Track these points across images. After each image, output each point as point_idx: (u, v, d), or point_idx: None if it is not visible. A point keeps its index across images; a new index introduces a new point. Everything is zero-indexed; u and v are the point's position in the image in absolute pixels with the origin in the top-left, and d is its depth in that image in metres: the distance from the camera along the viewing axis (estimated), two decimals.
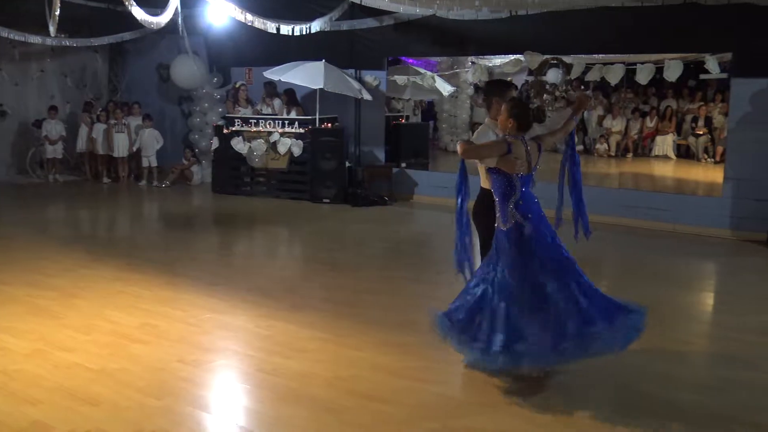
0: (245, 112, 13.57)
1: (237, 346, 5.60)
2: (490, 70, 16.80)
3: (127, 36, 14.31)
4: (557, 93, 15.66)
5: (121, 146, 14.48)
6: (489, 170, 4.94)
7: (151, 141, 14.37)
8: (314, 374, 4.96)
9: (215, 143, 13.42)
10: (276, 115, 13.24)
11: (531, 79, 20.08)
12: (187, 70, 14.04)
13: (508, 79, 19.24)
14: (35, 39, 13.24)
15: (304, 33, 11.61)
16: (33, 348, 5.40)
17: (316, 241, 9.92)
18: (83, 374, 4.93)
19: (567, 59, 14.26)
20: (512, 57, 13.39)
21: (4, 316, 6.14)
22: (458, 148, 4.88)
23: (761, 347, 5.74)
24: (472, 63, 17.04)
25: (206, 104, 14.55)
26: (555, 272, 4.76)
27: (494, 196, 4.98)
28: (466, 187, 5.28)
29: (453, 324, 4.86)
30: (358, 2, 11.04)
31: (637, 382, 4.93)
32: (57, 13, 10.63)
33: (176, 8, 11.44)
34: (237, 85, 14.02)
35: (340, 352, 5.42)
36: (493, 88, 5.70)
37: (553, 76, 19.22)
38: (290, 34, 11.59)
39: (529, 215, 4.87)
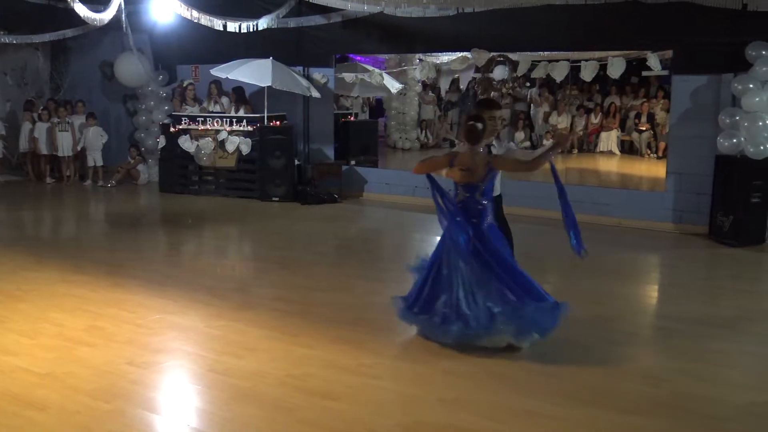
0: (192, 110, 13.42)
1: (187, 346, 5.53)
2: (437, 67, 16.93)
3: (69, 33, 14.00)
4: (504, 90, 15.99)
5: (65, 145, 14.18)
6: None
7: (96, 139, 14.11)
8: (266, 373, 4.93)
9: (162, 142, 13.24)
10: (224, 113, 13.12)
11: (478, 76, 20.32)
12: (131, 68, 13.83)
13: (456, 76, 19.54)
14: None
15: (251, 30, 11.53)
16: None
17: (266, 240, 9.86)
18: (29, 379, 4.82)
19: (513, 56, 14.43)
20: (459, 54, 13.48)
21: None
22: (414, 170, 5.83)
23: (703, 337, 5.89)
24: (420, 60, 17.12)
25: (152, 102, 14.35)
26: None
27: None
28: (439, 188, 5.73)
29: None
30: None
31: (583, 374, 5.02)
32: None
33: (120, 5, 11.26)
34: (184, 84, 13.85)
35: (291, 351, 5.40)
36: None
37: (499, 73, 19.41)
38: (237, 31, 11.50)
39: (458, 218, 5.53)
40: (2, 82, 15.52)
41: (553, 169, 5.99)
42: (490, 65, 16.17)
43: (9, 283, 7.11)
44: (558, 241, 9.83)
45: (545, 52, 13.79)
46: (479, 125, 5.47)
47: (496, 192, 6.00)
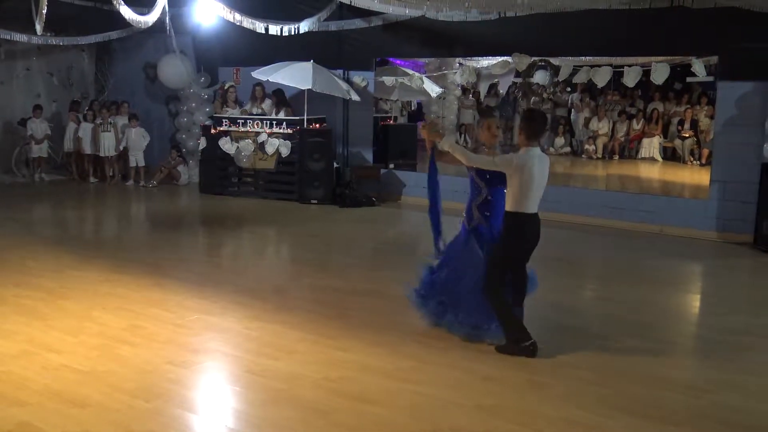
0: (233, 112, 13.54)
1: (225, 347, 5.59)
2: (478, 72, 16.85)
3: (114, 35, 14.22)
4: (545, 94, 15.89)
5: (107, 146, 14.39)
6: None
7: (138, 140, 14.30)
8: (303, 375, 4.96)
9: (203, 143, 13.38)
10: (264, 115, 13.22)
11: (519, 80, 20.20)
12: (174, 70, 14.00)
13: (495, 81, 19.45)
14: (21, 37, 13.16)
15: (292, 33, 11.59)
16: (20, 349, 5.38)
17: (304, 242, 9.91)
18: (71, 376, 4.91)
19: (555, 61, 14.33)
20: (500, 59, 13.40)
21: None
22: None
23: (746, 349, 5.79)
24: (460, 64, 17.05)
25: (193, 104, 14.51)
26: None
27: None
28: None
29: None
30: (348, 2, 11.04)
31: (624, 383, 4.96)
32: (44, 11, 10.55)
33: (164, 7, 11.39)
34: (225, 87, 13.99)
35: (328, 354, 5.42)
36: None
37: (540, 77, 19.31)
38: (279, 34, 11.57)
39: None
40: (48, 83, 15.83)
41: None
42: (530, 70, 16.09)
43: (53, 282, 7.25)
44: (597, 248, 9.78)
45: (587, 57, 13.65)
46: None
47: (514, 207, 5.45)
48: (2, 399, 4.52)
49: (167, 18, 12.14)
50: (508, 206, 5.44)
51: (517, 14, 10.36)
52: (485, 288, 5.49)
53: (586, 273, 8.69)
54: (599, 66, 12.59)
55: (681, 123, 17.65)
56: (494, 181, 5.63)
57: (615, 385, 4.92)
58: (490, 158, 5.51)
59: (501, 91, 20.41)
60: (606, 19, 10.10)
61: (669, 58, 12.31)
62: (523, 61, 11.81)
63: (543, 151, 5.50)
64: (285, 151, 12.68)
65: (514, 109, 20.54)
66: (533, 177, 5.33)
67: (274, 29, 11.50)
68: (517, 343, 5.39)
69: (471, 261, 5.71)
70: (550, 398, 4.69)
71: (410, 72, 15.82)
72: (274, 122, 12.85)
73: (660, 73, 11.12)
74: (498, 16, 10.47)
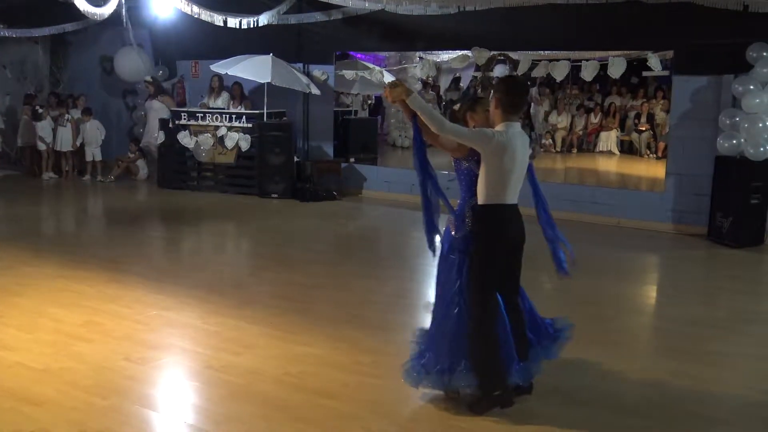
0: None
1: (184, 343, 5.54)
2: (437, 66, 16.90)
3: (69, 27, 13.96)
4: None
5: (64, 140, 14.14)
6: None
7: (94, 134, 14.08)
8: (263, 371, 4.94)
9: (161, 137, 13.22)
10: (223, 109, 13.11)
11: (479, 74, 20.29)
12: (131, 63, 13.82)
13: (456, 74, 19.53)
14: None
15: (251, 26, 11.50)
16: None
17: (265, 237, 9.86)
18: (26, 374, 4.83)
19: (514, 55, 14.40)
20: (460, 53, 13.45)
21: None
22: None
23: (701, 339, 5.90)
24: (420, 58, 17.08)
25: None
26: None
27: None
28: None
29: None
30: None
31: (579, 374, 5.02)
32: None
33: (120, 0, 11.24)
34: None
35: (289, 349, 5.40)
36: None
37: (500, 71, 19.40)
38: (237, 27, 11.47)
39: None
40: (2, 76, 15.50)
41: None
42: (490, 64, 16.15)
43: (7, 278, 7.11)
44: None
45: (546, 52, 13.77)
46: (456, 107, 4.94)
47: (480, 199, 4.46)
48: None
49: (123, 10, 11.96)
50: (482, 198, 4.39)
51: (477, 8, 10.39)
52: (469, 323, 4.39)
53: (542, 266, 8.75)
54: (558, 60, 12.71)
55: (638, 117, 17.93)
56: None
57: (568, 376, 4.97)
58: (467, 129, 4.39)
59: (462, 85, 20.49)
60: (564, 14, 10.18)
61: (625, 52, 12.48)
62: (483, 56, 11.87)
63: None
64: (245, 145, 12.59)
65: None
66: (516, 159, 4.34)
67: (232, 22, 11.40)
68: (491, 392, 4.35)
69: (446, 282, 4.60)
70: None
71: (371, 66, 15.81)
72: (234, 116, 12.75)
73: (617, 68, 11.25)
74: (457, 10, 10.49)
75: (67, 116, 14.09)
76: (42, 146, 14.17)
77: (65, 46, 16.07)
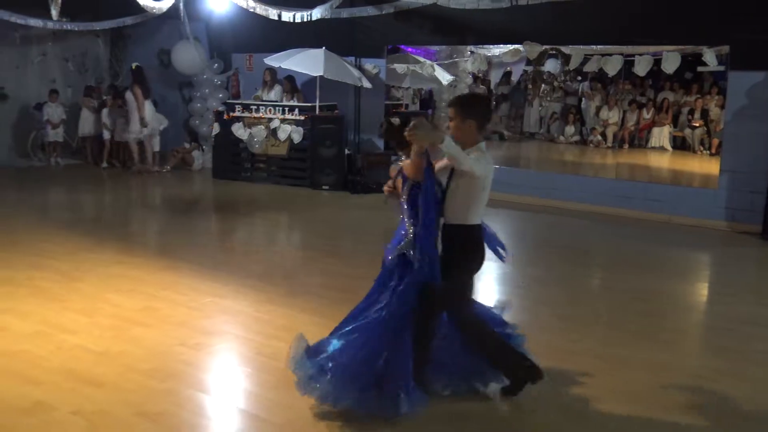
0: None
1: (237, 330, 5.64)
2: (489, 60, 16.80)
3: (128, 21, 14.20)
4: (555, 83, 15.77)
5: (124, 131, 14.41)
6: None
7: (155, 125, 14.32)
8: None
9: (216, 129, 13.41)
10: (276, 101, 13.24)
11: (529, 69, 20.11)
12: (187, 56, 14.02)
13: (507, 69, 19.38)
14: (36, 22, 13.20)
15: (304, 20, 11.58)
16: (35, 330, 5.44)
17: (315, 228, 9.94)
18: (86, 356, 4.97)
19: (565, 50, 14.23)
20: (511, 47, 13.34)
21: (7, 297, 6.18)
22: None
23: (752, 338, 5.79)
24: (471, 52, 16.99)
25: (207, 90, 14.53)
26: None
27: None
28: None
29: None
30: None
31: (627, 370, 4.97)
32: None
33: None
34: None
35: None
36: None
37: (551, 66, 19.21)
38: (291, 21, 11.56)
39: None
40: (64, 69, 15.88)
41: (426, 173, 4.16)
42: (541, 58, 16.01)
43: (68, 264, 7.31)
44: (603, 236, 9.76)
45: (598, 46, 13.58)
46: (396, 121, 4.27)
47: (464, 220, 4.29)
48: (18, 378, 4.58)
49: (181, 4, 12.15)
50: (461, 218, 4.26)
51: (529, 2, 10.31)
52: (464, 325, 4.36)
53: (592, 261, 8.68)
54: (610, 55, 12.54)
55: (691, 112, 17.54)
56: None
57: (618, 372, 4.93)
58: (474, 158, 4.13)
59: (513, 79, 20.34)
60: (618, 8, 10.05)
61: (680, 47, 12.24)
62: (534, 50, 11.77)
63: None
64: (297, 138, 12.69)
65: (524, 98, 20.48)
66: (490, 178, 4.29)
67: (286, 16, 11.50)
68: (518, 370, 4.37)
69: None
70: (551, 383, 4.70)
71: (422, 60, 15.79)
72: (287, 109, 12.87)
73: (671, 63, 11.05)
74: (509, 4, 10.41)
75: (126, 107, 14.36)
76: (107, 135, 14.46)
77: (125, 40, 16.38)
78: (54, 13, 11.30)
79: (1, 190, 12.29)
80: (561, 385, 4.70)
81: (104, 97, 14.83)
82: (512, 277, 7.48)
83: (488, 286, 7.27)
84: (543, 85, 20.13)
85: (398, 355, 4.11)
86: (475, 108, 4.30)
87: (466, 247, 4.31)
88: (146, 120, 13.75)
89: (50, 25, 13.14)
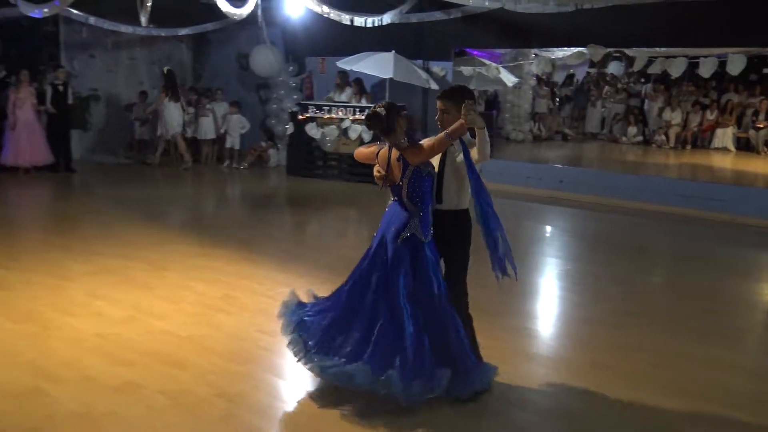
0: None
1: None
2: (553, 62, 16.59)
3: (210, 27, 14.54)
4: (618, 85, 15.49)
5: (206, 129, 14.77)
6: None
7: (236, 126, 14.64)
8: None
9: (290, 128, 13.60)
10: (347, 102, 13.34)
11: (593, 71, 19.78)
12: (265, 60, 14.23)
13: (571, 71, 19.09)
14: (127, 29, 13.60)
15: (375, 25, 11.65)
16: (126, 314, 5.62)
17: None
18: (172, 340, 5.12)
19: (629, 52, 13.97)
20: (575, 50, 13.15)
21: (100, 284, 6.40)
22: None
23: None
24: (536, 55, 16.82)
25: (282, 91, 14.73)
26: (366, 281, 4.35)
27: None
28: None
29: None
30: None
31: (686, 365, 4.87)
32: (149, 4, 10.88)
33: (257, 0, 11.61)
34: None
35: None
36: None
37: (615, 68, 18.85)
38: (363, 25, 11.64)
39: (381, 225, 4.43)
40: (151, 72, 16.32)
41: (465, 157, 4.23)
42: (605, 61, 15.73)
43: (156, 254, 7.52)
44: (666, 235, 9.54)
45: (662, 48, 13.28)
46: (381, 111, 4.27)
47: (461, 205, 4.41)
48: (110, 358, 4.74)
49: (259, 10, 12.35)
50: (459, 204, 4.39)
51: (594, 6, 10.15)
52: (462, 297, 4.46)
53: (653, 259, 8.51)
54: (674, 57, 12.25)
55: (756, 114, 16.99)
56: None
57: (677, 368, 4.83)
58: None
59: (577, 81, 20.03)
60: (682, 11, 9.80)
61: (745, 49, 11.88)
62: (598, 52, 11.59)
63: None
64: (367, 137, 12.75)
65: (587, 99, 20.16)
66: None
67: (358, 21, 11.58)
68: (477, 349, 4.42)
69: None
70: (611, 379, 4.64)
71: (487, 62, 15.70)
72: (357, 109, 12.96)
73: (736, 64, 10.75)
74: (575, 8, 10.27)
75: (208, 107, 14.70)
76: (187, 134, 14.83)
77: (206, 44, 16.74)
78: (143, 20, 11.61)
79: (92, 185, 12.73)
80: (620, 379, 4.63)
81: (188, 99, 15.17)
82: (573, 274, 7.39)
83: (549, 283, 7.21)
84: (606, 87, 19.77)
85: (458, 334, 4.19)
86: (466, 97, 4.20)
87: (466, 230, 4.43)
88: (165, 121, 14.09)
89: (139, 31, 13.51)
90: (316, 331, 4.28)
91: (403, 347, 4.04)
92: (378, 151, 4.38)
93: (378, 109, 4.27)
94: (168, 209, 10.96)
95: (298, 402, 4.28)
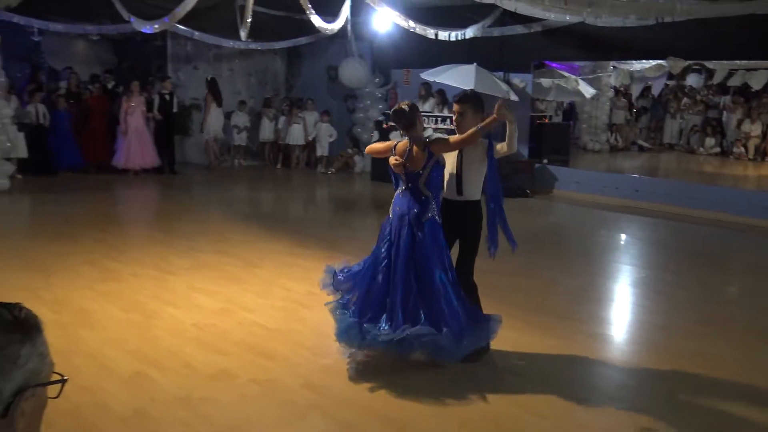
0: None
1: None
2: (632, 74, 16.17)
3: (303, 40, 14.79)
4: (697, 97, 14.95)
5: (296, 136, 15.04)
6: None
7: (325, 134, 14.85)
8: None
9: (375, 136, 13.69)
10: (430, 112, 13.33)
11: (671, 83, 19.14)
12: (353, 72, 14.38)
13: (648, 83, 18.54)
14: (227, 43, 13.97)
15: (459, 38, 11.60)
16: (221, 307, 5.77)
17: None
18: (262, 332, 5.22)
19: (709, 65, 13.47)
20: (655, 62, 12.78)
21: (199, 278, 6.59)
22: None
23: None
24: (614, 67, 16.43)
25: (368, 101, 14.86)
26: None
27: None
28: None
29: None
30: (512, 10, 10.87)
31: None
32: (249, 20, 11.15)
33: (347, 16, 11.74)
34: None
35: None
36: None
37: (693, 80, 18.21)
38: (447, 39, 11.61)
39: (398, 207, 4.69)
40: (248, 83, 16.72)
41: (489, 150, 4.71)
42: (684, 73, 15.20)
43: (249, 251, 7.70)
44: (744, 245, 9.13)
45: (743, 61, 12.75)
46: (405, 108, 4.64)
47: (476, 196, 4.86)
48: (207, 348, 4.87)
49: (349, 26, 12.48)
50: (474, 195, 4.84)
51: (675, 19, 9.81)
52: (469, 275, 4.90)
53: (731, 269, 8.16)
54: (755, 69, 11.74)
55: None
56: None
57: (759, 378, 4.61)
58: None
59: (654, 93, 19.45)
60: (763, 23, 9.37)
61: None
62: (678, 65, 11.22)
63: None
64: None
65: (665, 111, 19.54)
66: None
67: (443, 35, 11.56)
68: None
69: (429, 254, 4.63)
70: (687, 385, 4.47)
71: (566, 74, 15.42)
72: (439, 119, 12.93)
73: None
74: (655, 21, 9.95)
75: (300, 115, 14.97)
76: (282, 141, 15.16)
77: (298, 57, 17.03)
78: (243, 34, 11.91)
79: (193, 187, 13.13)
80: (701, 387, 4.46)
81: (282, 108, 15.48)
82: (648, 282, 7.16)
83: (624, 290, 7.02)
84: (684, 99, 19.12)
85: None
86: (480, 102, 4.85)
87: (480, 217, 4.90)
88: (207, 124, 14.39)
89: (238, 45, 13.87)
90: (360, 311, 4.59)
91: (441, 310, 4.45)
92: (395, 144, 4.73)
93: (403, 107, 4.65)
94: (260, 210, 11.22)
95: (378, 393, 4.28)
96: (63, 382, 1.31)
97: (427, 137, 4.73)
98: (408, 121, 4.62)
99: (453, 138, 4.63)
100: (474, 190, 4.83)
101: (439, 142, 4.63)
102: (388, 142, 4.90)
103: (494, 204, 4.79)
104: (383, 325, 4.45)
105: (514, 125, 4.58)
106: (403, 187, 4.67)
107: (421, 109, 13.30)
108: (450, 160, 4.74)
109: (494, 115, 4.48)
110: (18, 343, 1.22)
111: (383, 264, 4.61)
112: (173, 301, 5.88)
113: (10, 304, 1.28)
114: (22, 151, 12.01)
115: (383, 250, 4.65)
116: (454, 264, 4.75)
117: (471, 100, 4.82)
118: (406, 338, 4.37)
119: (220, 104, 14.62)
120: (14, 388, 1.21)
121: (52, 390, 1.30)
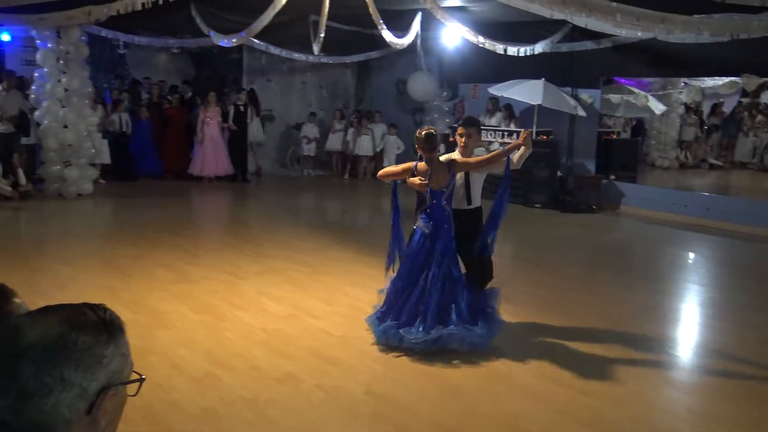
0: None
1: None
2: (703, 91, 15.69)
3: (373, 55, 14.91)
4: None
5: (364, 147, 15.16)
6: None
7: (393, 146, 14.93)
8: (521, 361, 4.91)
9: (442, 150, 13.57)
10: (497, 126, 13.23)
11: (745, 100, 18.48)
12: (422, 86, 14.40)
13: (720, 100, 17.93)
14: (299, 56, 14.20)
15: (527, 54, 11.47)
16: (288, 312, 5.84)
17: (526, 241, 9.80)
18: (327, 339, 5.25)
19: None
20: (728, 79, 12.36)
21: (268, 284, 6.69)
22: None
23: None
24: (685, 84, 15.96)
25: (436, 115, 14.84)
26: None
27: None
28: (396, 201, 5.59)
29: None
30: (582, 26, 10.69)
31: None
32: (322, 35, 11.29)
33: (417, 31, 11.76)
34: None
35: (545, 343, 5.33)
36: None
37: None
38: (516, 54, 11.49)
39: (431, 222, 5.20)
40: (319, 95, 16.96)
41: (506, 164, 5.27)
42: (759, 90, 14.68)
43: (316, 259, 7.78)
44: None
45: None
46: (434, 132, 5.17)
47: (476, 203, 5.53)
48: (274, 351, 4.94)
49: (419, 40, 12.51)
50: (478, 202, 5.54)
51: (750, 36, 9.47)
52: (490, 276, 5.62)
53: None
54: None
55: None
56: None
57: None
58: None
59: (725, 110, 18.81)
60: None
61: None
62: (753, 82, 10.85)
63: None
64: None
65: (737, 128, 18.87)
66: None
67: (512, 50, 11.43)
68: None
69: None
70: (757, 410, 4.28)
71: (635, 90, 15.07)
72: (506, 133, 12.81)
73: None
74: (730, 37, 9.63)
75: (369, 126, 15.08)
76: (348, 152, 15.29)
77: (368, 71, 17.17)
78: (316, 48, 12.04)
79: (263, 195, 13.36)
80: (725, 397, 4.27)
81: (351, 119, 15.64)
82: (716, 302, 6.91)
83: (691, 309, 6.79)
84: (759, 116, 18.42)
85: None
86: (476, 123, 5.54)
87: (482, 221, 5.49)
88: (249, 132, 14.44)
89: (311, 59, 14.06)
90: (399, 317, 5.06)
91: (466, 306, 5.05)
92: (414, 165, 5.16)
93: (433, 131, 5.14)
94: (328, 218, 11.33)
95: (441, 405, 4.25)
96: (141, 381, 1.34)
97: (446, 158, 5.26)
98: (437, 143, 5.19)
99: (476, 159, 5.23)
100: (478, 198, 5.52)
101: (465, 161, 5.18)
102: (404, 165, 5.38)
103: (499, 210, 5.35)
104: (418, 328, 4.90)
105: (530, 151, 5.25)
106: (428, 203, 5.18)
107: (487, 123, 13.38)
108: (458, 175, 5.29)
109: (519, 141, 5.14)
110: (104, 344, 1.26)
111: (415, 275, 5.11)
112: (242, 305, 5.98)
113: (95, 305, 1.32)
114: (106, 158, 12.50)
115: (412, 262, 5.18)
116: (470, 260, 5.40)
117: (476, 124, 5.47)
118: (441, 336, 4.86)
119: (258, 113, 14.86)
120: (98, 387, 1.24)
121: (131, 388, 1.33)
